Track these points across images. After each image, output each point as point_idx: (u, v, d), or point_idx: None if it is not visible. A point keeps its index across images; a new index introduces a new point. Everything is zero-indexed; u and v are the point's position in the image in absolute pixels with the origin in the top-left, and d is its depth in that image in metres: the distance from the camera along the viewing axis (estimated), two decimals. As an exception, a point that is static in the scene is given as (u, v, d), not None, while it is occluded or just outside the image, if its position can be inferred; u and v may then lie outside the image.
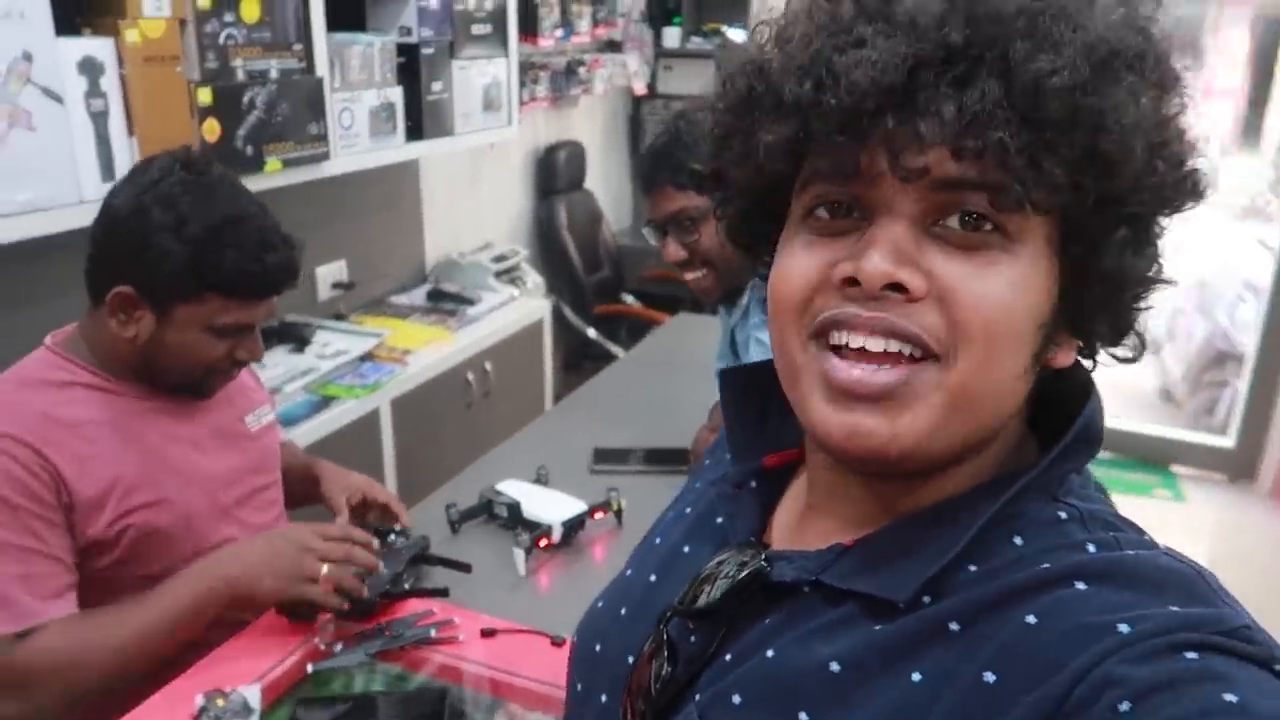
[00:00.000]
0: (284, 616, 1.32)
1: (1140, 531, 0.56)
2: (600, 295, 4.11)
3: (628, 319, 4.11)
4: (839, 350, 0.54)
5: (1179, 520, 3.44)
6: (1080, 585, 0.50)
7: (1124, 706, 0.44)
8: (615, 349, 3.91)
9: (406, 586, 1.38)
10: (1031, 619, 0.50)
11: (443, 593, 1.37)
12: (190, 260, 1.24)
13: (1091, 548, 0.53)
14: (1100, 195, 0.51)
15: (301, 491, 1.62)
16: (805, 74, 0.52)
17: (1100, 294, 0.55)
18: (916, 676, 0.51)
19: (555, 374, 3.40)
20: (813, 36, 0.53)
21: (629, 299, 4.22)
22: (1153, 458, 3.77)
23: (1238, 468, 3.66)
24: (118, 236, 1.26)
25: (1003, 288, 0.52)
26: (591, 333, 3.97)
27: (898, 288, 0.51)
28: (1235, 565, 3.12)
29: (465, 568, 1.44)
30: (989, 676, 0.49)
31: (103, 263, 1.28)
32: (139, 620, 1.22)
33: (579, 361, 4.04)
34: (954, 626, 0.52)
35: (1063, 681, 0.46)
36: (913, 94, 0.50)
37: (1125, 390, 4.18)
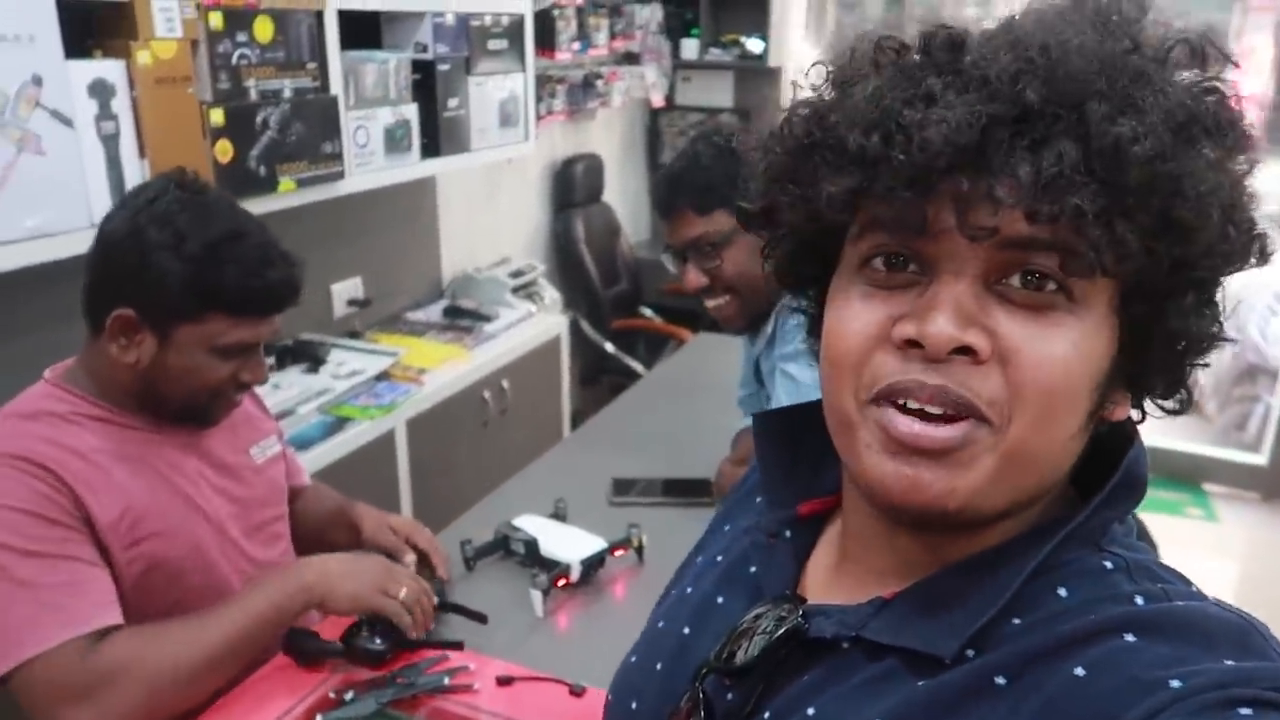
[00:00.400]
0: (291, 656, 1.28)
1: (1186, 582, 0.55)
2: (618, 309, 4.06)
3: (646, 333, 4.07)
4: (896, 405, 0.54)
5: (1211, 540, 3.36)
6: (1130, 637, 0.49)
7: None
8: (633, 363, 3.87)
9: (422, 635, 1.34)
10: (1080, 671, 0.49)
11: (457, 645, 1.32)
12: (190, 278, 1.21)
13: (1139, 599, 0.52)
14: (1173, 260, 0.50)
15: (343, 539, 1.57)
16: (873, 127, 0.51)
17: (1162, 354, 0.55)
18: None
19: (573, 390, 3.36)
20: (881, 88, 0.52)
21: (647, 313, 4.18)
22: (1183, 475, 3.69)
23: (1271, 486, 3.58)
24: (114, 259, 1.23)
25: (1066, 350, 0.51)
26: (609, 347, 3.93)
27: (964, 350, 0.50)
28: (1269, 586, 3.05)
29: (481, 618, 1.39)
30: None
31: (100, 287, 1.25)
32: (217, 626, 1.21)
33: (596, 376, 4.00)
34: (1000, 680, 0.51)
35: None
36: (985, 152, 0.48)
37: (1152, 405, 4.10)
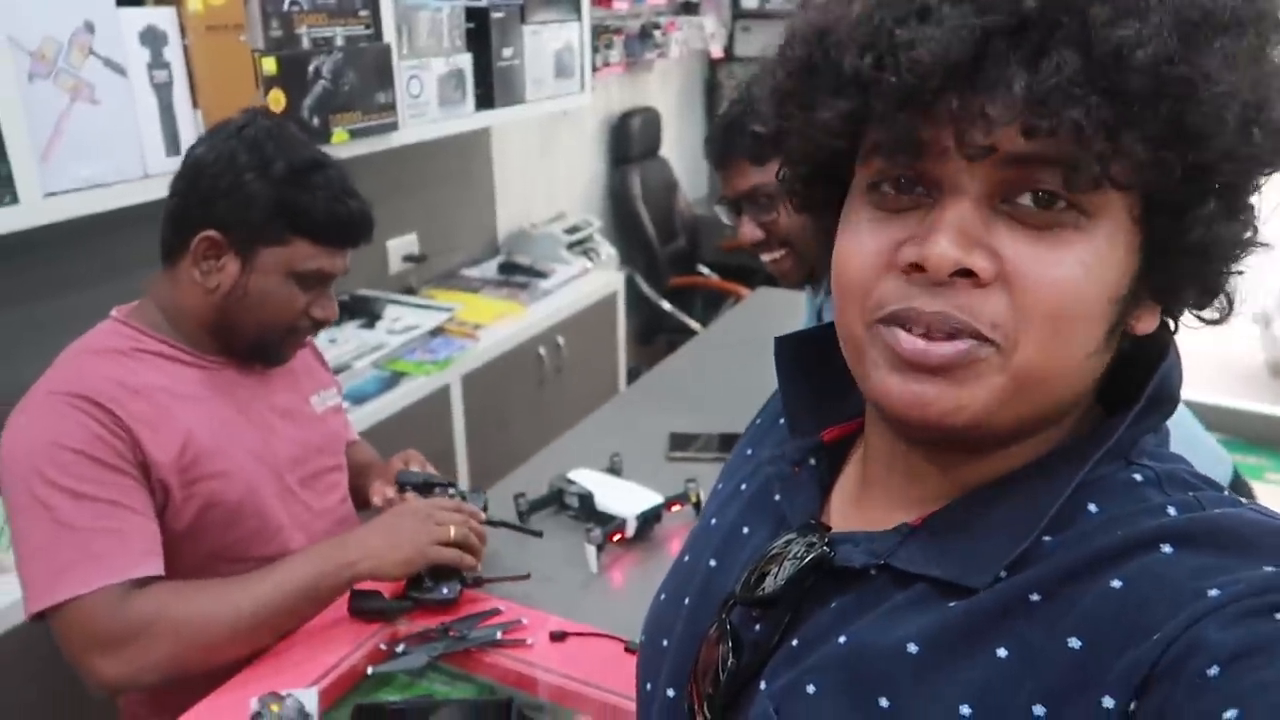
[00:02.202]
0: (360, 619, 1.26)
1: (1219, 488, 0.54)
2: (675, 266, 4.00)
3: (703, 291, 4.01)
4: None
5: (1292, 506, 3.23)
6: (1166, 548, 0.49)
7: (1212, 671, 0.43)
8: (690, 322, 3.82)
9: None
10: (1117, 583, 0.48)
11: (524, 577, 1.33)
12: (278, 200, 1.24)
13: (1171, 510, 0.51)
14: (1188, 168, 0.47)
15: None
16: (865, 47, 0.49)
17: (1187, 265, 0.52)
18: (1002, 653, 0.50)
19: (628, 348, 3.32)
20: (874, 4, 0.50)
21: (705, 270, 4.11)
22: (1263, 439, 3.54)
23: (1357, 451, 3.42)
24: (203, 181, 1.25)
25: (1075, 270, 0.49)
26: (666, 305, 3.87)
27: (966, 272, 0.49)
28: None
29: (536, 533, 1.41)
30: (1074, 643, 0.48)
31: (186, 210, 1.27)
32: (252, 592, 1.20)
33: (653, 334, 3.96)
34: (1034, 597, 0.50)
35: (1153, 646, 0.45)
36: (981, 67, 0.46)
37: (1231, 365, 3.94)
